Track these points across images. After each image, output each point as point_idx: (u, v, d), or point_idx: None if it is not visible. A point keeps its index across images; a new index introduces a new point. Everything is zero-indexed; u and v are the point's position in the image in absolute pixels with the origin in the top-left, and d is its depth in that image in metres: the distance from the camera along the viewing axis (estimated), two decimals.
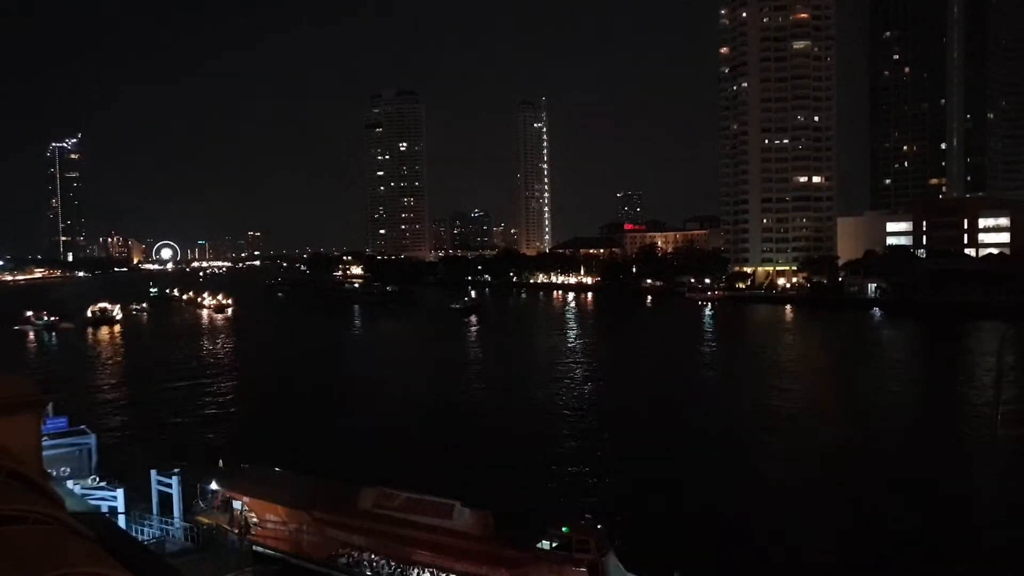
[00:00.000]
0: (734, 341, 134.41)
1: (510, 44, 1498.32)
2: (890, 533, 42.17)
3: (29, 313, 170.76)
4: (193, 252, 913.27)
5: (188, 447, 58.26)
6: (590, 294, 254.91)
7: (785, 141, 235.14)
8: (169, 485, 37.63)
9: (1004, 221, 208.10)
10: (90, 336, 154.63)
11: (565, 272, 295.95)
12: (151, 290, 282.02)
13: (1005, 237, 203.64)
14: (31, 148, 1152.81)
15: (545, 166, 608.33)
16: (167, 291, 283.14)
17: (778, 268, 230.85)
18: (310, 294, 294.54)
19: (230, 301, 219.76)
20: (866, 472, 54.64)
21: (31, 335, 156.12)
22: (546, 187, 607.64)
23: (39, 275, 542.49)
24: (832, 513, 46.28)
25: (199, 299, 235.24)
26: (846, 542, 41.60)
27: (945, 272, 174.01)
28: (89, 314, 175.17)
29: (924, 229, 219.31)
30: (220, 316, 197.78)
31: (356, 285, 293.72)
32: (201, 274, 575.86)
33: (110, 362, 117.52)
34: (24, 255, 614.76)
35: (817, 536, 42.82)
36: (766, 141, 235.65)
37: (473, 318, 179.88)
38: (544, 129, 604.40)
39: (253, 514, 39.17)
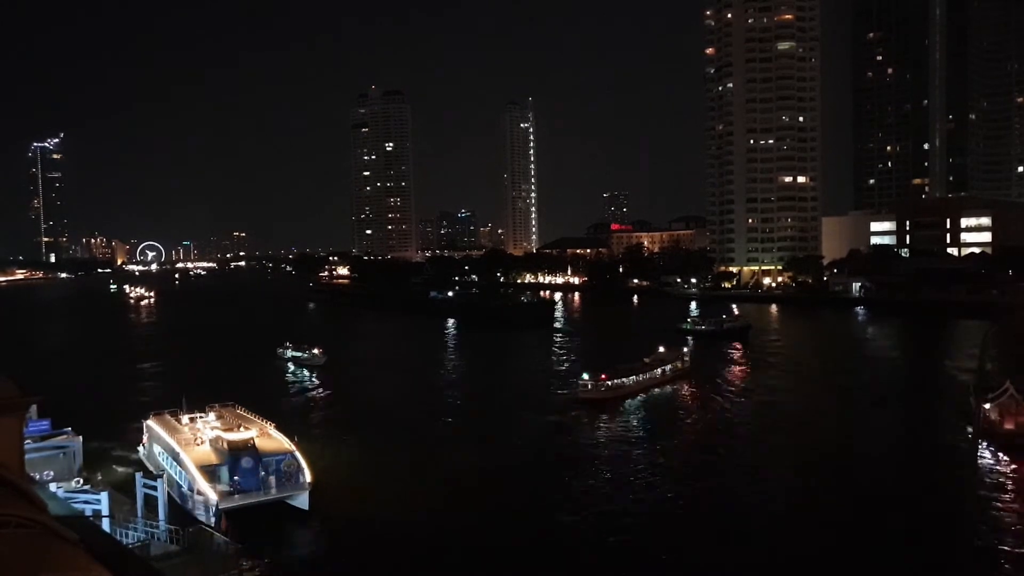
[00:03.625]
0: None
1: (497, 44, 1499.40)
2: (870, 530, 42.45)
3: None
4: (178, 253, 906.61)
5: None
6: (577, 294, 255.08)
7: (770, 141, 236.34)
8: (154, 488, 37.28)
9: (986, 221, 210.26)
10: None
11: (552, 272, 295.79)
12: (111, 287, 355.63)
13: (987, 236, 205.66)
14: (12, 148, 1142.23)
15: (532, 166, 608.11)
16: (123, 287, 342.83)
17: (763, 268, 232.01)
18: (359, 305, 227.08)
19: (152, 293, 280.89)
20: (848, 470, 54.96)
21: None
22: (533, 187, 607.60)
23: (21, 276, 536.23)
24: (815, 513, 46.53)
25: (129, 292, 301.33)
26: (829, 543, 41.84)
27: (928, 271, 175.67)
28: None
29: (907, 229, 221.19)
30: (143, 303, 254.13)
31: (450, 294, 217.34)
32: (176, 277, 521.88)
33: None
34: (6, 256, 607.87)
35: (802, 536, 43.04)
36: (751, 141, 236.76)
37: (736, 346, 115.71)
38: (531, 129, 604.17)
39: None
